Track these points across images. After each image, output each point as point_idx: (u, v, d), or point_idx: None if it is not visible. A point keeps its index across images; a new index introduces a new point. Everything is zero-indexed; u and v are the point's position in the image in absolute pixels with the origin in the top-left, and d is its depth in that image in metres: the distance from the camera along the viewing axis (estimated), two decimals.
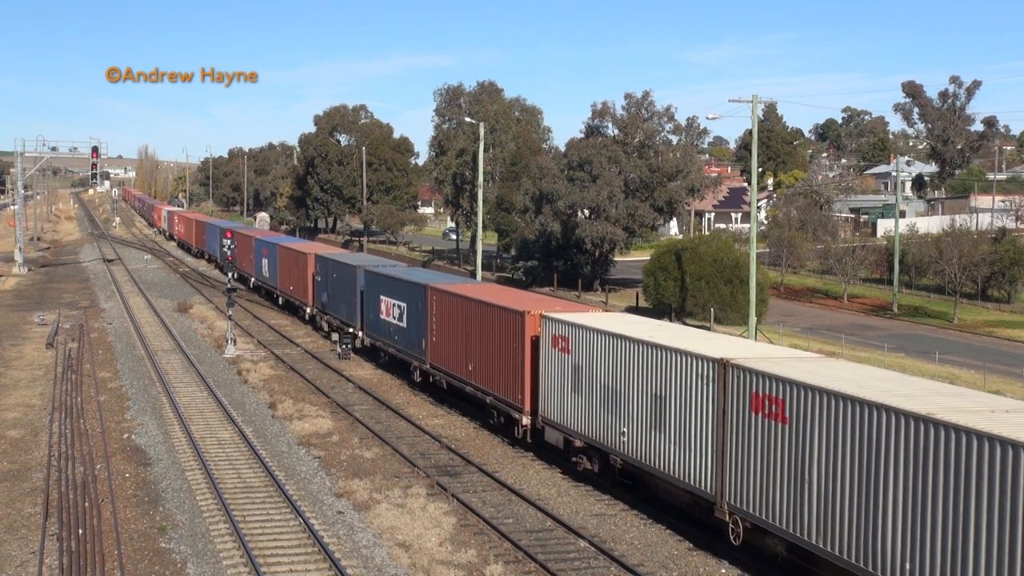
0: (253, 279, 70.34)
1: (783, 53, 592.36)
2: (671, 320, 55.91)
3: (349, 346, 46.32)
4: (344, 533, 23.41)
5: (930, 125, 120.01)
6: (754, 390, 20.63)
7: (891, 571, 17.39)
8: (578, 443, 27.38)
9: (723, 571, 21.59)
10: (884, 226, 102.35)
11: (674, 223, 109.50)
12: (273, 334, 53.24)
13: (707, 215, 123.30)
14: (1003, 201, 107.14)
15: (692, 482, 22.75)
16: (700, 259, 59.26)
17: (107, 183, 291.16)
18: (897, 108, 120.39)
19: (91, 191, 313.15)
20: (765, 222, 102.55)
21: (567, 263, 76.59)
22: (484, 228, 77.18)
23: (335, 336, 48.64)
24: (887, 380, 20.37)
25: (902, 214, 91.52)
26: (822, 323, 61.21)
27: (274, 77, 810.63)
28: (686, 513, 24.05)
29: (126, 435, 31.82)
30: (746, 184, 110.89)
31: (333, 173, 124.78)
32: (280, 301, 62.98)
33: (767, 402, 20.23)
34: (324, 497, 26.04)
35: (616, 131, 76.09)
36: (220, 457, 29.30)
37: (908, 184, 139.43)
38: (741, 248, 63.65)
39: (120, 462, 28.88)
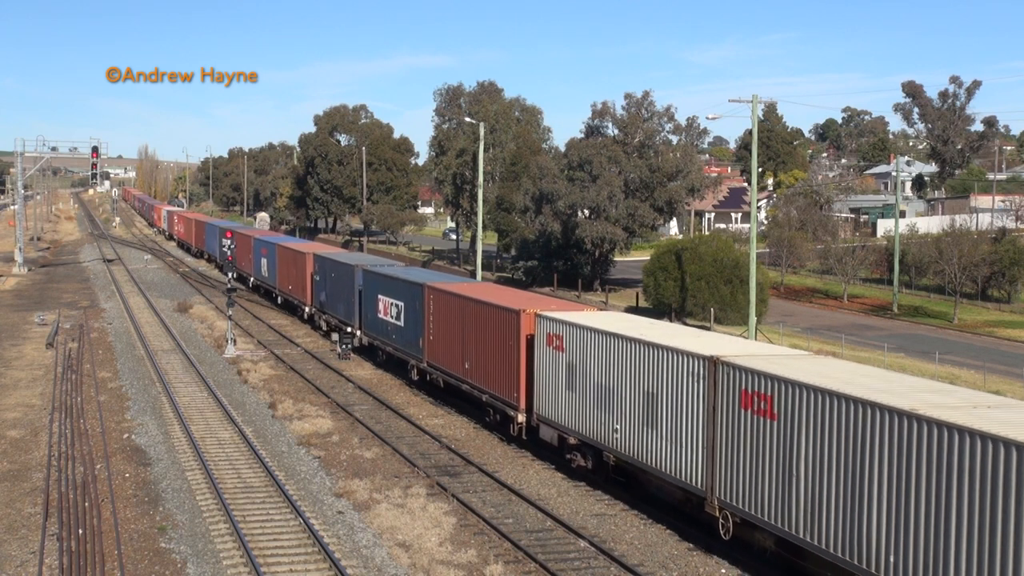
0: (252, 279, 70.36)
1: (783, 53, 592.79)
2: (671, 320, 55.91)
3: (349, 346, 46.35)
4: (344, 533, 23.41)
5: (930, 125, 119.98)
6: (743, 387, 20.91)
7: (875, 563, 17.67)
8: (572, 440, 27.64)
9: (723, 571, 21.60)
10: (884, 226, 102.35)
11: (674, 223, 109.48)
12: (273, 334, 53.25)
13: (707, 215, 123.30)
14: (1003, 201, 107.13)
15: (683, 478, 23.02)
16: (700, 259, 59.26)
17: (107, 183, 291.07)
18: (897, 108, 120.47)
19: (91, 191, 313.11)
20: (765, 222, 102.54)
21: (567, 263, 76.59)
22: (484, 228, 77.18)
23: (335, 336, 48.66)
24: (873, 377, 20.73)
25: (902, 214, 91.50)
26: (822, 323, 61.21)
27: (274, 77, 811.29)
28: (678, 509, 24.28)
29: (126, 435, 31.82)
30: (746, 184, 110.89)
31: (333, 173, 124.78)
32: (279, 300, 63.07)
33: (756, 399, 20.51)
34: (324, 497, 26.04)
35: (616, 131, 76.08)
36: (220, 457, 29.30)
37: (908, 184, 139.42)
38: (741, 248, 63.64)
39: (120, 462, 28.88)
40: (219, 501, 25.06)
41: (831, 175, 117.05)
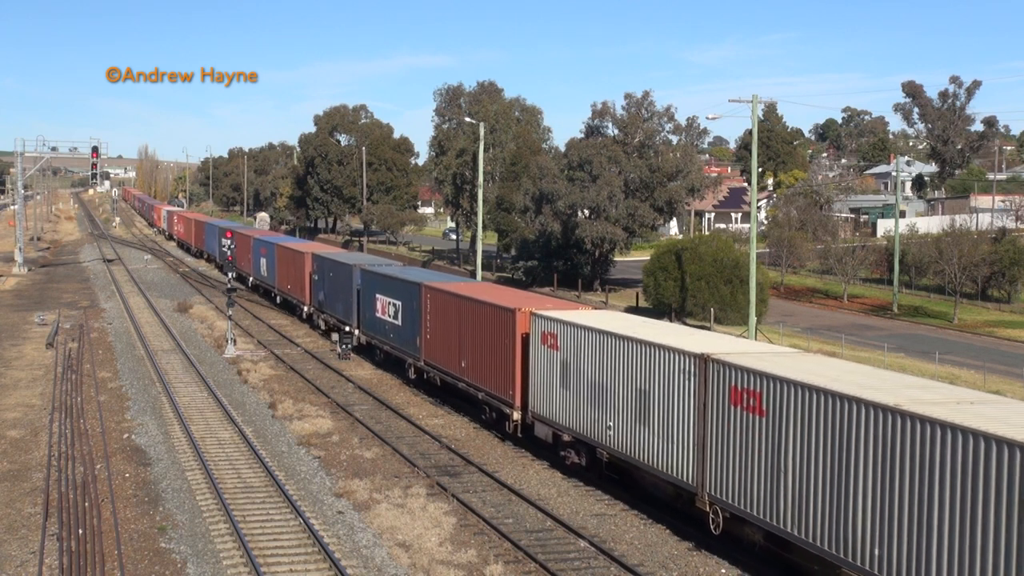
0: (252, 278, 70.37)
1: (783, 53, 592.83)
2: (672, 320, 55.92)
3: (349, 346, 46.37)
4: (344, 533, 23.40)
5: (930, 125, 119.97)
6: (733, 384, 21.21)
7: (860, 556, 17.97)
8: (566, 437, 27.91)
9: (723, 571, 21.60)
10: (884, 226, 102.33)
11: (674, 223, 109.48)
12: (273, 334, 53.24)
13: (707, 215, 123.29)
14: (1003, 201, 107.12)
15: (675, 474, 23.30)
16: (700, 259, 59.25)
17: (107, 183, 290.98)
18: (897, 108, 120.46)
19: (91, 191, 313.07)
20: (765, 222, 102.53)
21: (567, 263, 76.58)
22: (484, 228, 77.17)
23: (335, 336, 48.67)
24: (860, 374, 21.07)
25: (902, 214, 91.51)
26: (822, 323, 61.21)
27: (274, 77, 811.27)
28: (670, 505, 24.54)
29: (126, 435, 31.82)
30: (746, 184, 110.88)
31: (333, 173, 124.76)
32: (278, 300, 63.21)
33: (745, 395, 20.82)
34: (324, 497, 26.04)
35: (616, 131, 76.07)
36: (220, 457, 29.30)
37: (908, 184, 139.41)
38: (741, 248, 63.64)
39: (120, 462, 28.87)
40: (219, 501, 25.05)
41: (831, 175, 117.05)
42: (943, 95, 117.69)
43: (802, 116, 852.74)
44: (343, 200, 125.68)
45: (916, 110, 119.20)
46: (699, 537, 23.00)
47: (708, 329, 47.75)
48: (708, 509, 22.16)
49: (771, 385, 20.13)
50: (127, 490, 26.37)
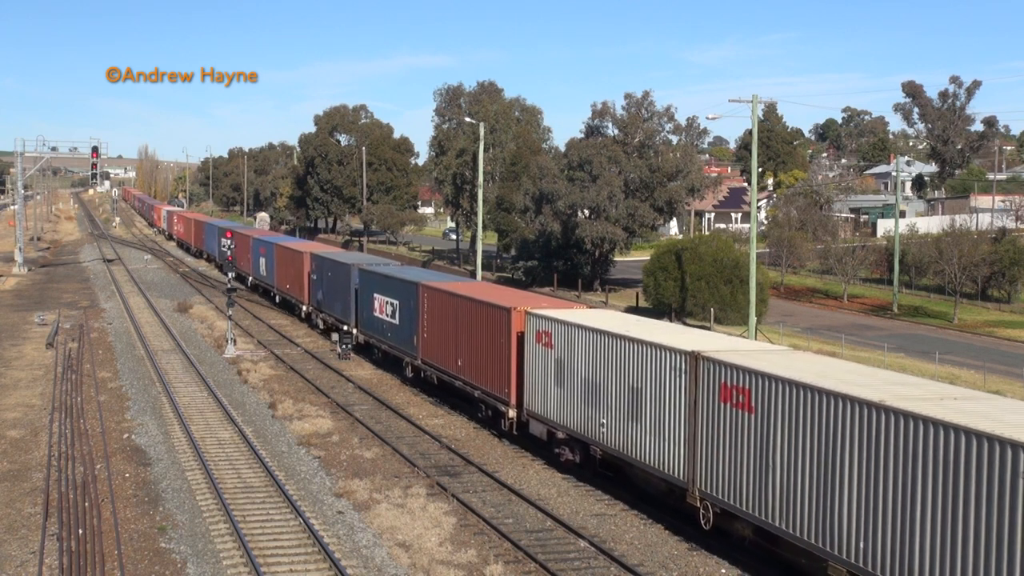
0: (251, 278, 70.41)
1: (783, 53, 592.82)
2: (672, 320, 55.92)
3: (349, 346, 46.40)
4: (344, 533, 23.40)
5: (930, 125, 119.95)
6: (723, 381, 21.48)
7: (846, 550, 18.24)
8: (561, 435, 28.19)
9: (723, 571, 21.60)
10: (884, 226, 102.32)
11: (674, 223, 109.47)
12: (273, 334, 53.25)
13: (707, 215, 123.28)
14: (1003, 201, 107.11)
15: (666, 470, 23.57)
16: (700, 259, 59.26)
17: (107, 183, 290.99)
18: (897, 108, 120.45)
19: (91, 191, 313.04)
20: (765, 222, 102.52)
21: (567, 263, 76.59)
22: (484, 228, 77.17)
23: (335, 336, 48.71)
24: (847, 371, 21.35)
25: (902, 214, 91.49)
26: (822, 323, 61.21)
27: (274, 77, 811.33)
28: (662, 501, 24.77)
29: (126, 435, 31.82)
30: (746, 184, 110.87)
31: (333, 173, 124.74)
32: (277, 299, 63.35)
33: (735, 392, 21.08)
34: (324, 497, 26.04)
35: (616, 131, 76.06)
36: (220, 457, 29.30)
37: (908, 184, 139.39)
38: (741, 248, 63.63)
39: (120, 462, 28.87)
40: (219, 501, 25.05)
41: (831, 175, 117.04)
42: (943, 95, 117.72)
43: (802, 116, 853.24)
44: (343, 200, 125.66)
45: (916, 110, 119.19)
46: (699, 537, 23.00)
47: (708, 329, 47.74)
48: (699, 504, 22.46)
49: (759, 382, 20.41)
50: (127, 490, 26.37)
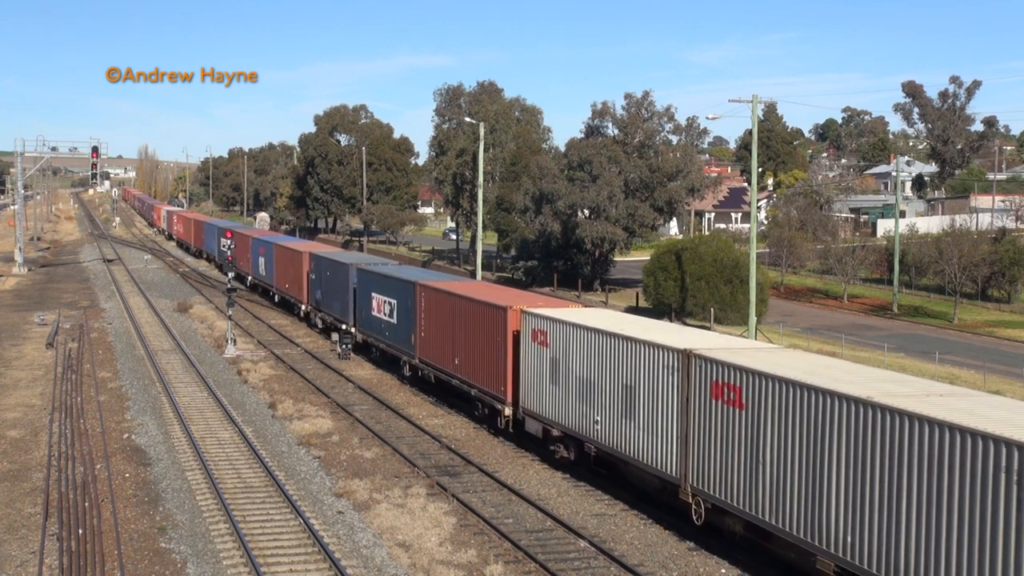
0: (250, 278, 70.46)
1: (783, 53, 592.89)
2: (672, 320, 55.92)
3: (349, 346, 46.42)
4: (344, 533, 23.40)
5: (930, 125, 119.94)
6: (714, 378, 21.74)
7: (835, 544, 18.46)
8: (556, 432, 28.44)
9: (723, 571, 21.60)
10: (884, 226, 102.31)
11: (674, 223, 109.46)
12: (272, 334, 53.25)
13: (707, 215, 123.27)
14: (1003, 201, 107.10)
15: (659, 467, 23.81)
16: (700, 259, 59.25)
17: (107, 183, 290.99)
18: (897, 108, 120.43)
19: (91, 191, 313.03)
20: (765, 222, 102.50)
21: (567, 263, 76.58)
22: (484, 228, 77.16)
23: (334, 336, 48.73)
24: (836, 368, 21.62)
25: (902, 214, 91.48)
26: (822, 323, 61.21)
27: (274, 77, 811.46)
28: (656, 497, 24.93)
29: (126, 435, 31.82)
30: (746, 184, 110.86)
31: (333, 173, 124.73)
32: (276, 299, 63.46)
33: (726, 389, 21.35)
34: (324, 497, 26.04)
35: (616, 131, 76.05)
36: (220, 457, 29.30)
37: (908, 184, 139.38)
38: (741, 248, 63.63)
39: (120, 462, 28.87)
40: (219, 501, 25.05)
41: (831, 175, 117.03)
42: (943, 95, 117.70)
43: (802, 116, 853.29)
44: (343, 200, 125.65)
45: (916, 110, 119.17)
46: (699, 537, 23.01)
47: (708, 329, 47.73)
48: (691, 500, 22.71)
49: (750, 379, 20.65)
50: (127, 490, 26.37)
